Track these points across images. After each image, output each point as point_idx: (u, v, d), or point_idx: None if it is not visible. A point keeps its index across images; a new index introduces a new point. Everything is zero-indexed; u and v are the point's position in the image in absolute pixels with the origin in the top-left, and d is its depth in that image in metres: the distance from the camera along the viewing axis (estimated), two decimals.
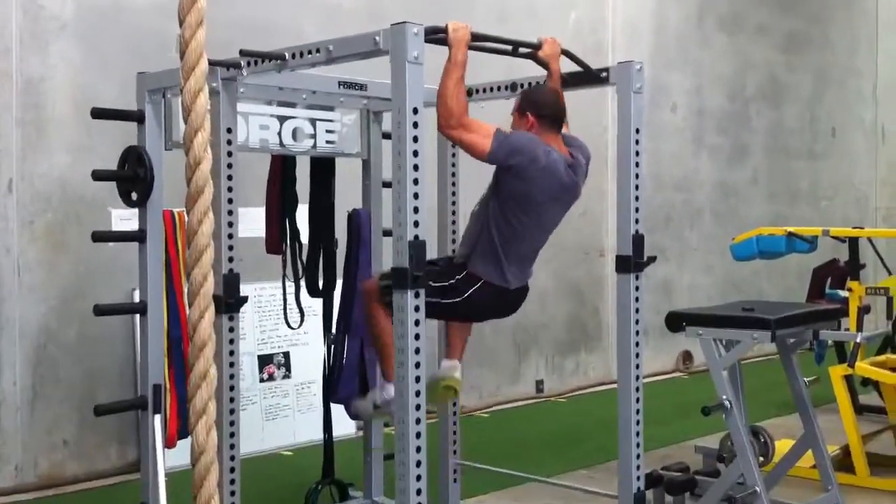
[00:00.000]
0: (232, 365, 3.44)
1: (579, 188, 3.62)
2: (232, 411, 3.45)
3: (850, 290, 5.31)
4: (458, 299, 3.49)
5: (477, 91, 4.03)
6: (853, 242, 5.47)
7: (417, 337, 2.87)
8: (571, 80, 3.72)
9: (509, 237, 3.49)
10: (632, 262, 3.50)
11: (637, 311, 3.53)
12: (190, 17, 1.47)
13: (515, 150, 3.37)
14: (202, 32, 1.49)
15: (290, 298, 4.16)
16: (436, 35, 3.15)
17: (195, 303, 1.48)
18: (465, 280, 3.51)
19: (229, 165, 3.45)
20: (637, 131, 3.53)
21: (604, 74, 3.63)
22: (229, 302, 3.41)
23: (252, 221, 4.26)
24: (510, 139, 3.38)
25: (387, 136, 4.06)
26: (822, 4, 9.98)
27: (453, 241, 4.17)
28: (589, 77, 3.67)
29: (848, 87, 10.41)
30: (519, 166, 3.38)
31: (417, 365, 2.87)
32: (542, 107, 3.52)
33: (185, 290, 3.66)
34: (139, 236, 3.58)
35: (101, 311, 3.64)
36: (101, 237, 3.74)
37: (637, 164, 3.53)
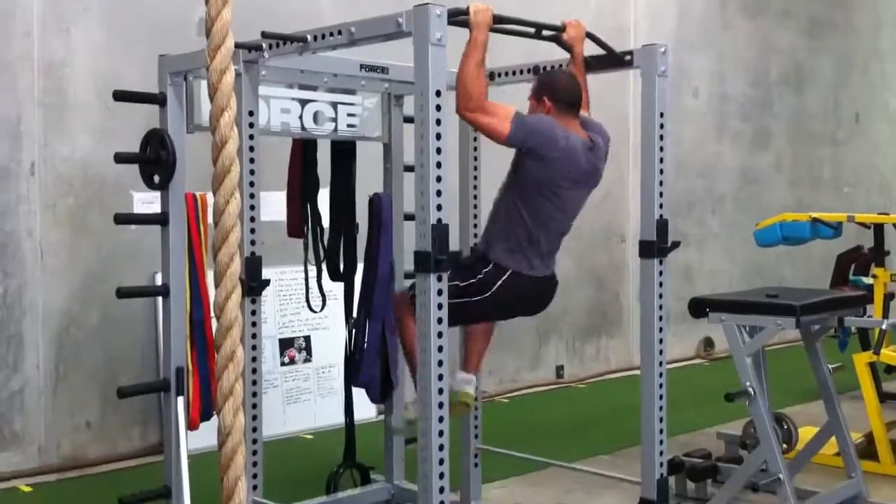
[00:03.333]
0: (254, 348, 3.44)
1: (600, 172, 3.59)
2: (254, 394, 3.46)
3: (874, 276, 5.25)
4: (486, 294, 3.42)
5: (498, 75, 4.01)
6: (878, 229, 5.41)
7: (440, 321, 2.86)
8: (595, 64, 3.69)
9: (533, 223, 3.45)
10: (656, 246, 3.48)
11: (661, 296, 3.51)
12: None
13: (534, 132, 3.34)
14: (228, 11, 1.47)
15: (312, 282, 4.15)
16: (458, 17, 3.12)
17: (222, 284, 1.47)
18: (491, 273, 3.45)
19: (251, 148, 3.45)
20: (661, 115, 3.50)
21: (628, 58, 3.60)
22: (252, 285, 3.41)
23: (273, 205, 4.26)
24: (528, 122, 3.36)
25: (408, 119, 4.03)
26: None
27: (475, 227, 4.15)
28: (613, 60, 3.64)
29: (872, 72, 10.30)
30: (538, 149, 3.35)
31: (440, 349, 2.86)
32: (558, 91, 3.49)
33: (208, 272, 3.69)
34: (162, 219, 3.58)
35: (123, 293, 3.65)
36: (123, 220, 3.76)
37: (661, 149, 3.50)
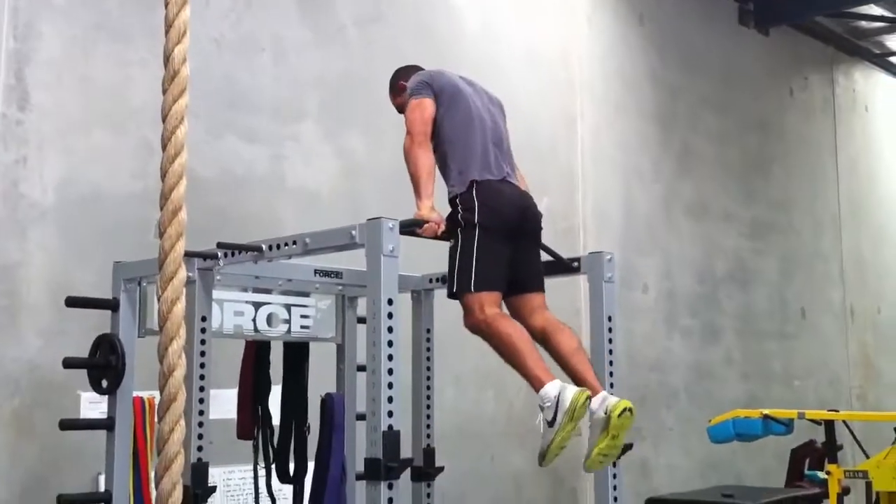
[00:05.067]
0: None
1: (485, 95, 3.95)
2: None
3: (828, 472, 5.26)
4: (477, 218, 3.52)
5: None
6: (829, 425, 5.46)
7: None
8: (544, 270, 3.80)
9: (457, 139, 3.71)
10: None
11: (616, 500, 3.48)
12: (171, 228, 1.53)
13: (422, 80, 3.83)
14: (181, 244, 1.53)
15: (263, 484, 4.06)
16: (410, 228, 3.24)
17: None
18: (465, 200, 3.59)
19: (202, 353, 3.45)
20: (609, 319, 3.58)
21: (575, 264, 3.73)
22: (197, 493, 3.33)
23: (224, 403, 4.22)
24: (414, 82, 3.85)
25: (361, 320, 4.09)
26: (784, 193, 10.32)
27: (428, 427, 4.14)
28: (561, 266, 3.76)
29: (815, 270, 10.64)
30: (434, 81, 3.84)
31: None
32: (405, 71, 4.06)
33: (152, 476, 3.60)
34: (108, 424, 3.54)
35: (65, 501, 3.54)
36: (69, 425, 3.70)
37: (611, 352, 3.57)
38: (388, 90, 4.27)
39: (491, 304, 3.40)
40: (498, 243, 3.51)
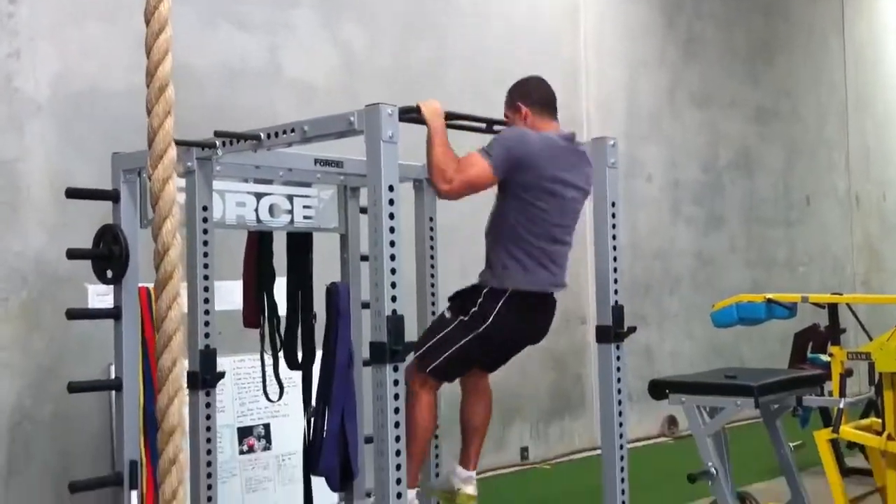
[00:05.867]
0: (209, 441, 3.40)
1: (588, 173, 3.47)
2: (209, 486, 3.41)
3: (831, 354, 5.31)
4: (484, 325, 3.30)
5: None
6: (832, 308, 5.50)
7: (397, 411, 2.85)
8: None
9: (526, 228, 3.32)
10: (612, 332, 3.51)
11: (619, 380, 3.52)
12: (158, 106, 1.50)
13: (507, 147, 3.29)
14: (170, 121, 1.50)
15: (270, 370, 4.12)
16: (409, 114, 3.19)
17: (164, 389, 1.46)
18: (488, 297, 3.32)
19: (205, 243, 3.45)
20: (613, 205, 3.56)
21: None
22: (206, 378, 3.38)
23: (230, 294, 4.25)
24: (499, 144, 3.30)
25: (364, 210, 4.08)
26: (791, 80, 10.18)
27: (433, 315, 4.16)
28: None
29: (819, 157, 10.57)
30: (519, 158, 3.28)
31: (398, 439, 2.84)
32: (531, 93, 3.48)
33: None
34: (114, 313, 3.56)
35: (75, 388, 3.61)
36: (75, 315, 3.72)
37: (614, 237, 3.55)
38: (510, 90, 3.69)
39: (431, 389, 3.40)
40: (485, 351, 3.42)
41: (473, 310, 3.34)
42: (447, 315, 3.45)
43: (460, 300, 3.44)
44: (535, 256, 3.35)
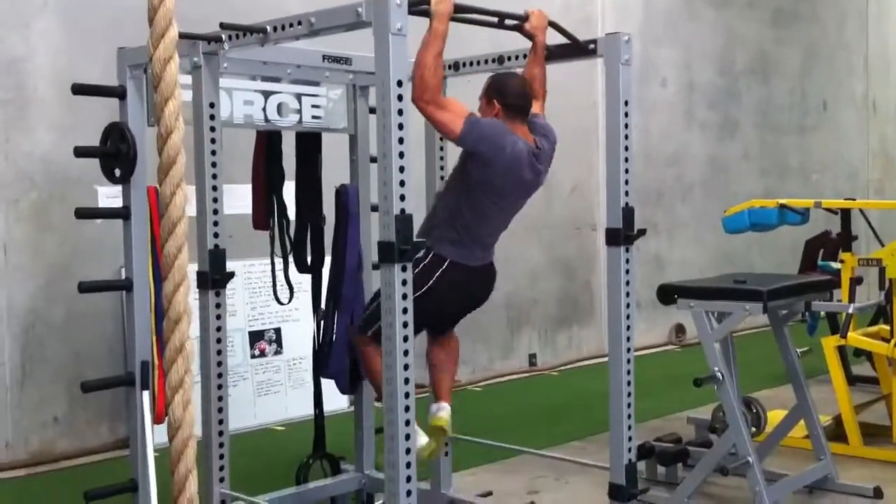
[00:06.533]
0: (219, 341, 3.42)
1: (541, 179, 3.61)
2: (220, 387, 3.44)
3: (842, 261, 5.29)
4: (424, 288, 3.38)
5: (463, 65, 3.98)
6: (845, 214, 5.45)
7: (405, 311, 2.85)
8: (558, 53, 3.68)
9: (475, 222, 3.49)
10: (622, 234, 3.47)
11: (628, 283, 3.50)
12: None
13: (483, 137, 3.34)
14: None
15: (280, 275, 4.13)
16: (419, 6, 3.11)
17: (169, 276, 1.45)
18: (430, 265, 3.44)
19: (213, 140, 3.42)
20: (626, 104, 3.48)
21: (591, 46, 3.58)
22: (216, 278, 3.38)
23: (239, 198, 4.23)
24: (480, 125, 3.35)
25: (374, 110, 4.01)
26: None
27: None
28: (576, 49, 3.63)
29: (838, 61, 10.37)
30: (485, 155, 3.37)
31: (405, 339, 2.84)
32: (508, 95, 3.49)
33: None
34: (124, 213, 3.54)
35: (85, 288, 3.61)
36: (84, 214, 3.70)
37: (626, 137, 3.49)
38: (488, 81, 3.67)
39: (374, 349, 3.37)
40: (421, 315, 3.23)
41: (416, 271, 3.34)
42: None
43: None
44: (478, 242, 3.53)
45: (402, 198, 2.83)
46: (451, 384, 3.81)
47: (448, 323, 3.75)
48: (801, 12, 9.78)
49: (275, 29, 3.19)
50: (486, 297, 3.72)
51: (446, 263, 3.46)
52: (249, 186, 4.09)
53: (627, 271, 3.49)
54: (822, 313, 5.74)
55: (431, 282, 3.44)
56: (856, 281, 5.14)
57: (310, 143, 4.16)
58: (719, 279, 4.49)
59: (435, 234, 3.51)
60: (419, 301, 3.11)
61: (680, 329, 8.29)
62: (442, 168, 4.17)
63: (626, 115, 3.49)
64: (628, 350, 3.48)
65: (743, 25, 9.13)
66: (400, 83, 2.83)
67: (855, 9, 10.52)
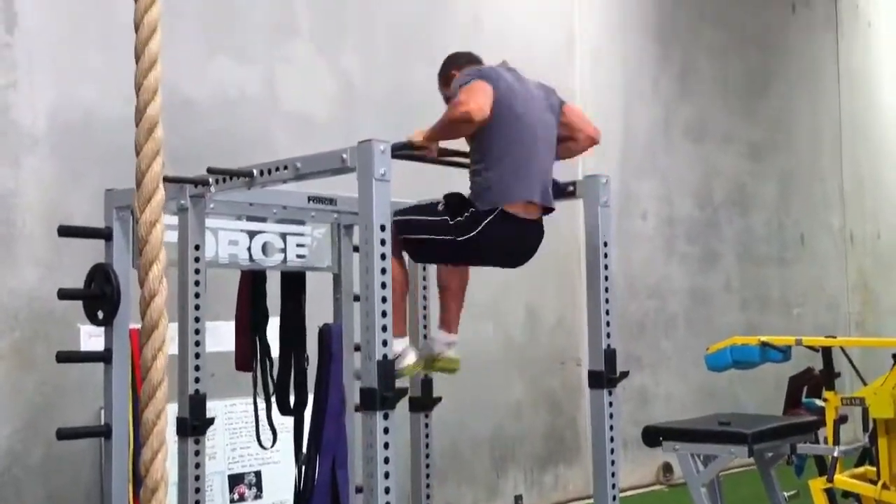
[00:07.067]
0: (198, 491, 3.35)
1: (552, 98, 3.61)
2: None
3: (825, 400, 5.26)
4: (462, 237, 3.33)
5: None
6: (826, 352, 5.45)
7: (387, 461, 2.80)
8: None
9: (504, 142, 3.35)
10: (604, 377, 3.47)
11: (612, 427, 3.48)
12: (147, 146, 1.47)
13: (482, 74, 3.37)
14: (159, 162, 1.48)
15: (263, 417, 4.08)
16: (402, 151, 3.18)
17: (148, 443, 1.43)
18: (469, 217, 3.34)
19: (196, 283, 3.43)
20: (605, 244, 3.54)
21: (570, 188, 3.66)
22: (195, 424, 3.33)
23: (223, 336, 4.21)
24: (469, 85, 3.32)
25: (357, 249, 4.06)
26: (785, 111, 10.19)
27: None
28: (556, 191, 3.70)
29: (814, 193, 10.57)
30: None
31: (387, 490, 2.79)
32: (457, 59, 3.65)
33: None
34: (105, 356, 3.52)
35: (63, 435, 3.56)
36: (66, 358, 3.69)
37: (606, 279, 3.53)
38: (442, 64, 3.81)
39: (399, 250, 3.40)
40: (456, 256, 3.45)
41: (462, 217, 3.38)
42: (440, 207, 3.47)
43: (455, 202, 3.46)
44: (518, 180, 3.40)
45: (385, 343, 2.83)
46: (459, 314, 3.75)
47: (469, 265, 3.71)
48: (776, 143, 10.02)
49: (261, 173, 3.25)
50: (530, 255, 3.60)
51: (496, 212, 3.34)
52: (230, 323, 4.08)
53: (612, 415, 3.48)
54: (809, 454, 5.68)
55: (477, 230, 3.34)
56: (840, 420, 5.10)
57: (294, 282, 4.18)
58: (704, 420, 4.47)
59: (476, 186, 3.39)
60: (452, 245, 3.28)
61: (667, 468, 8.16)
62: (425, 308, 4.19)
63: (606, 255, 3.54)
64: (614, 498, 3.43)
65: (720, 159, 9.34)
66: (383, 227, 2.87)
67: (830, 138, 10.79)
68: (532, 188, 3.40)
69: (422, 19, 6.59)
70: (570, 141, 3.65)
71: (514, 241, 3.47)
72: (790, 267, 10.14)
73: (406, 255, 3.56)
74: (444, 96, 3.62)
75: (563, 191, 3.68)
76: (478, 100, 3.22)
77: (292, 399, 4.11)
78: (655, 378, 8.40)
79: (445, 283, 3.73)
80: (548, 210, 3.52)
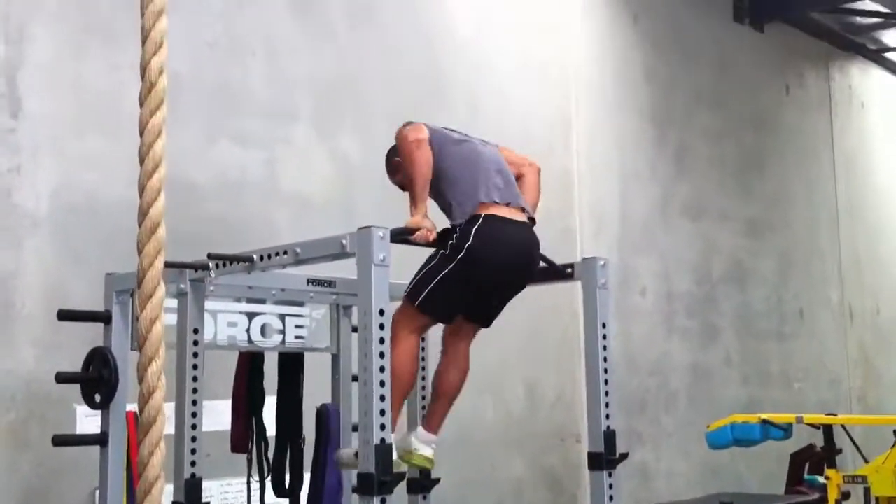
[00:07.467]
0: None
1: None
2: None
3: (827, 478, 5.23)
4: (459, 256, 3.44)
5: None
6: (827, 429, 5.44)
7: None
8: (538, 276, 3.78)
9: (453, 174, 3.62)
10: (604, 459, 3.46)
11: None
12: (149, 245, 1.50)
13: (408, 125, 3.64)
14: (160, 261, 1.51)
15: (256, 499, 4.04)
16: (401, 237, 3.22)
17: None
18: (458, 235, 3.49)
19: (195, 367, 3.43)
20: (604, 326, 3.56)
21: (569, 270, 3.70)
22: None
23: (220, 415, 4.19)
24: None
25: (356, 329, 4.07)
26: (781, 189, 10.29)
27: None
28: (554, 273, 3.74)
29: (812, 268, 10.61)
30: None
31: None
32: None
33: None
34: (101, 439, 3.51)
35: None
36: (62, 441, 3.68)
37: (605, 360, 3.54)
38: (384, 158, 4.06)
39: (417, 328, 3.53)
40: (467, 283, 3.51)
41: (451, 240, 3.52)
42: (433, 253, 3.60)
43: (442, 236, 3.60)
44: (479, 185, 3.62)
45: (383, 427, 2.83)
46: (444, 418, 3.77)
47: (485, 305, 3.73)
48: (773, 221, 10.09)
49: (261, 258, 3.29)
50: (529, 270, 3.68)
51: (479, 221, 3.50)
52: (227, 402, 4.07)
53: (612, 497, 3.45)
54: None
55: (468, 244, 3.47)
56: (841, 499, 5.07)
57: (292, 363, 4.18)
58: (706, 500, 4.43)
59: (453, 220, 3.59)
60: (454, 273, 3.37)
61: None
62: (424, 388, 4.19)
63: (605, 336, 3.56)
64: None
65: (718, 235, 9.40)
66: (382, 312, 2.89)
67: (826, 216, 10.86)
68: (493, 191, 3.63)
69: (420, 104, 6.69)
70: (520, 179, 3.88)
71: (508, 242, 3.60)
72: (790, 341, 10.12)
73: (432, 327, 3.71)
74: (398, 184, 3.86)
75: (562, 273, 3.71)
76: (414, 126, 3.57)
77: (287, 480, 4.07)
78: (657, 454, 8.33)
79: (442, 390, 3.78)
80: (530, 218, 3.72)
